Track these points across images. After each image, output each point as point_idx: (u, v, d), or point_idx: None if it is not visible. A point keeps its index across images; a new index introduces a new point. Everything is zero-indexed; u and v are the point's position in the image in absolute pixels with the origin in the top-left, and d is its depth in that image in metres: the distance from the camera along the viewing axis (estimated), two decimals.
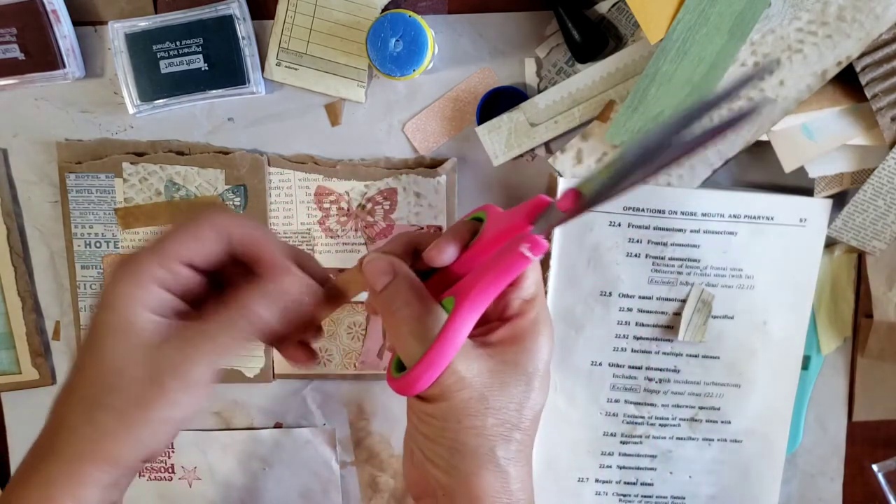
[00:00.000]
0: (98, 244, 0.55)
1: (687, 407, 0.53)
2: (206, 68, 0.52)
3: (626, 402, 0.53)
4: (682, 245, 0.51)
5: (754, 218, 0.50)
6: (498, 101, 0.52)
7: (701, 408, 0.53)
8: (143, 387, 0.34)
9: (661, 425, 0.53)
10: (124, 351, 0.34)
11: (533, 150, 0.52)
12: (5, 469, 0.58)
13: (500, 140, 0.52)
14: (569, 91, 0.51)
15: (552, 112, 0.51)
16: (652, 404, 0.53)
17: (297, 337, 0.39)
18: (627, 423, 0.53)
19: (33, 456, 0.35)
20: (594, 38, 0.49)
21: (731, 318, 0.51)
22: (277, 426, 0.57)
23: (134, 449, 0.34)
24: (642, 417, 0.53)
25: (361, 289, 0.40)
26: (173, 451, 0.58)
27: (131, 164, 0.54)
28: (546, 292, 0.52)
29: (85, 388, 0.34)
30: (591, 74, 0.50)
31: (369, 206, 0.54)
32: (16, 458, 0.58)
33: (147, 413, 0.34)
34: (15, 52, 0.51)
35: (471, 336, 0.36)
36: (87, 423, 0.34)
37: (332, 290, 0.40)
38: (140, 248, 0.35)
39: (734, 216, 0.50)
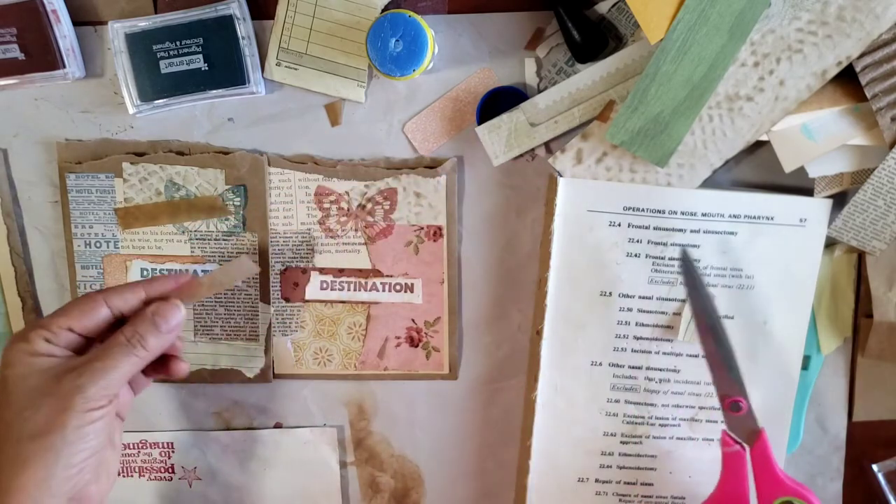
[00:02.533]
0: (98, 244, 0.55)
1: (687, 407, 0.53)
2: (206, 68, 0.52)
3: (626, 402, 0.53)
4: (682, 245, 0.51)
5: (754, 218, 0.50)
6: (498, 101, 0.52)
7: (701, 408, 0.53)
8: (62, 408, 0.40)
9: (662, 425, 0.53)
10: (32, 389, 0.41)
11: (533, 150, 0.52)
12: None
13: (500, 140, 0.52)
14: (569, 91, 0.51)
15: (552, 112, 0.51)
16: (652, 404, 0.53)
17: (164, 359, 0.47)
18: (627, 423, 0.53)
19: None
20: (594, 38, 0.49)
21: (731, 318, 0.51)
22: (277, 426, 0.57)
23: (74, 466, 0.41)
24: (642, 417, 0.53)
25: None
26: (173, 451, 0.58)
27: (131, 164, 0.54)
28: (546, 293, 0.52)
29: (5, 432, 0.41)
30: (591, 74, 0.50)
31: (369, 206, 0.54)
32: None
33: (65, 440, 0.40)
34: (15, 52, 0.51)
35: None
36: (7, 457, 0.40)
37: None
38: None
39: (734, 216, 0.50)
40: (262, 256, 0.55)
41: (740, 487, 0.49)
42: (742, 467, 0.49)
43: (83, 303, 0.44)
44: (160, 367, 0.47)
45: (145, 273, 0.55)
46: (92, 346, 0.45)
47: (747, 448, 0.49)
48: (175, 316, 0.45)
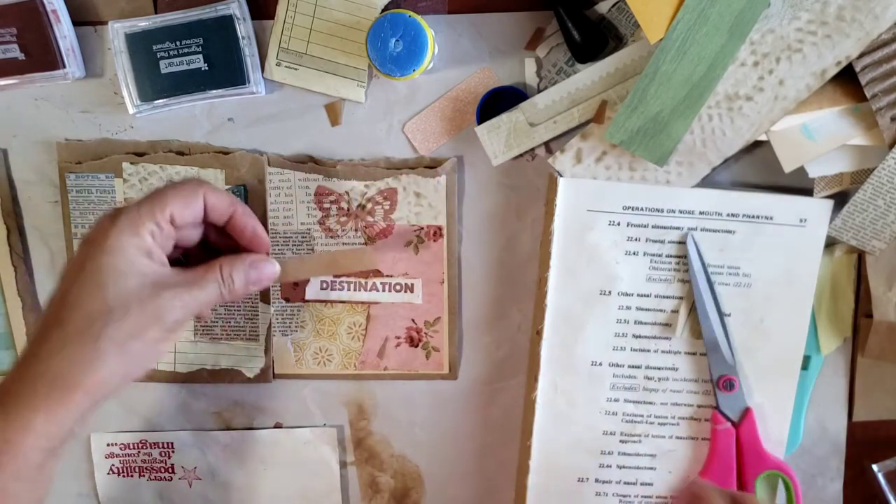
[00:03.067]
0: None
1: (686, 405, 0.53)
2: (206, 68, 0.52)
3: (625, 401, 0.53)
4: (680, 243, 0.51)
5: (753, 217, 0.50)
6: (498, 101, 0.52)
7: (700, 406, 0.53)
8: (147, 323, 0.40)
9: (661, 424, 0.53)
10: (129, 290, 0.40)
11: (533, 150, 0.53)
12: None
13: (500, 140, 0.52)
14: (568, 91, 0.51)
15: (551, 112, 0.51)
16: (651, 403, 0.53)
17: None
18: (627, 421, 0.53)
19: (11, 379, 0.40)
20: (594, 38, 0.50)
21: (728, 315, 0.51)
22: (277, 426, 0.57)
23: (121, 381, 0.40)
24: (641, 416, 0.53)
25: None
26: (173, 451, 0.58)
27: (131, 164, 0.54)
28: (546, 292, 0.52)
29: (80, 321, 0.39)
30: (590, 74, 0.50)
31: (369, 206, 0.54)
32: None
33: (144, 345, 0.40)
34: (15, 52, 0.51)
35: None
36: (83, 352, 0.39)
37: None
38: (135, 202, 0.42)
39: (732, 215, 0.50)
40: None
41: (727, 463, 0.51)
42: (730, 444, 0.51)
43: (186, 192, 0.43)
44: None
45: None
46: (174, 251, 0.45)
47: (736, 425, 0.51)
48: (269, 276, 0.46)
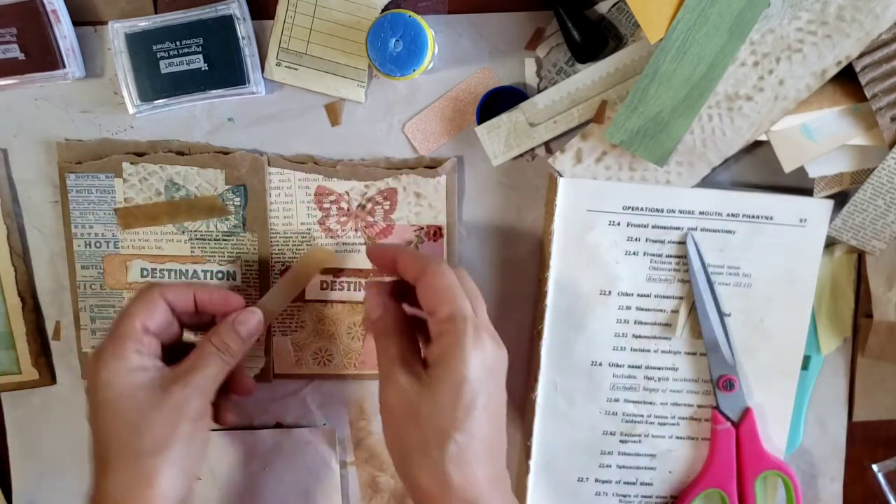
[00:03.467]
0: (98, 244, 0.55)
1: (686, 405, 0.53)
2: (206, 68, 0.52)
3: (625, 401, 0.53)
4: (680, 243, 0.51)
5: (753, 217, 0.50)
6: (498, 101, 0.52)
7: (700, 406, 0.53)
8: (174, 423, 0.42)
9: (661, 424, 0.53)
10: (143, 408, 0.42)
11: (533, 149, 0.53)
12: (5, 469, 0.58)
13: (500, 140, 0.52)
14: (567, 91, 0.51)
15: (551, 112, 0.51)
16: (651, 403, 0.53)
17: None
18: (627, 421, 0.53)
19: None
20: (594, 38, 0.50)
21: (728, 315, 0.51)
22: (277, 426, 0.57)
23: (183, 484, 0.42)
24: (641, 416, 0.53)
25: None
26: None
27: (131, 164, 0.54)
28: (546, 292, 0.52)
29: (119, 453, 0.42)
30: (590, 74, 0.50)
31: (369, 206, 0.54)
32: (16, 458, 0.58)
33: (183, 444, 0.42)
34: (15, 52, 0.51)
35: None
36: (135, 480, 0.41)
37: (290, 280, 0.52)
38: (106, 335, 0.45)
39: (732, 215, 0.50)
40: (263, 256, 0.55)
41: (727, 463, 0.52)
42: (730, 444, 0.51)
43: (144, 301, 0.45)
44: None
45: (145, 273, 0.55)
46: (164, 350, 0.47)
47: (736, 425, 0.51)
48: (256, 324, 0.48)
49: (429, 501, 0.40)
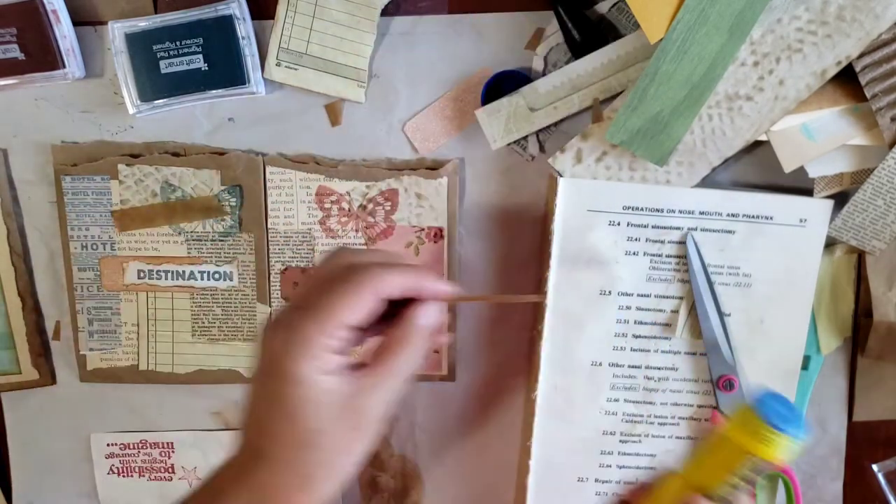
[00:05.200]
0: (94, 246, 0.55)
1: (686, 405, 0.53)
2: (206, 68, 0.52)
3: (625, 401, 0.53)
4: (680, 243, 0.51)
5: (753, 217, 0.50)
6: (502, 86, 0.51)
7: (700, 406, 0.53)
8: (347, 439, 0.39)
9: (661, 424, 0.53)
10: (322, 414, 0.38)
11: (526, 137, 0.52)
12: (5, 469, 0.58)
13: (499, 124, 0.51)
14: (569, 77, 0.50)
15: (552, 98, 0.51)
16: (651, 403, 0.53)
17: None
18: (627, 421, 0.53)
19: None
20: (594, 37, 0.50)
21: (728, 315, 0.51)
22: None
23: (334, 489, 0.39)
24: (641, 416, 0.53)
25: None
26: (173, 451, 0.58)
27: (127, 165, 0.54)
28: (546, 293, 0.52)
29: (283, 451, 0.39)
30: (591, 61, 0.50)
31: (370, 206, 0.54)
32: (16, 458, 0.58)
33: (351, 457, 0.39)
34: (15, 52, 0.51)
35: None
36: (294, 481, 0.39)
37: None
38: (297, 312, 0.39)
39: (732, 215, 0.50)
40: (260, 256, 0.55)
41: None
42: None
43: (350, 295, 0.39)
44: None
45: (142, 275, 0.55)
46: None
47: None
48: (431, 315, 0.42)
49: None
